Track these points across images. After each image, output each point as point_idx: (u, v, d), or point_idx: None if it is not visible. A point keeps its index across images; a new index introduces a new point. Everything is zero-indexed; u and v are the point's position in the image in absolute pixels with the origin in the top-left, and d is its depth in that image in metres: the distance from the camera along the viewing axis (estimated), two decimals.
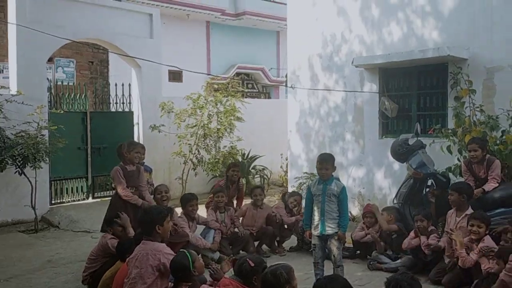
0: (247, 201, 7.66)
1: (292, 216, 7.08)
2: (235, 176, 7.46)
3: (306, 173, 9.51)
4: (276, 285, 3.23)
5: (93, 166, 10.39)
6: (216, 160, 10.99)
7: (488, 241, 4.91)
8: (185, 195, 6.86)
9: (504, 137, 6.31)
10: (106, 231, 5.33)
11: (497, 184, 5.79)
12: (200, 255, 4.26)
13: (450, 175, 6.72)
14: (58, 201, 9.96)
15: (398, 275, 3.23)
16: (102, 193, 10.71)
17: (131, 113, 10.96)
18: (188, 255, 3.86)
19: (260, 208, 7.15)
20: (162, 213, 4.16)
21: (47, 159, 8.52)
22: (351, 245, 6.70)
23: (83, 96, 10.45)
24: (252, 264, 3.50)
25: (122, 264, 4.58)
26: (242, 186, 7.86)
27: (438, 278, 5.30)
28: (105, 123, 10.51)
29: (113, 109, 10.99)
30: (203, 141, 10.82)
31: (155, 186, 6.74)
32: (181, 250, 4.13)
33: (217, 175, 11.56)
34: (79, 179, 10.38)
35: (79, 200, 10.29)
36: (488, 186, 5.79)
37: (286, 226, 7.13)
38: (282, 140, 11.27)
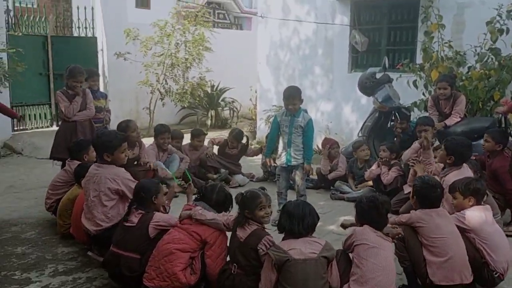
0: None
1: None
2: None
3: (275, 105, 9.48)
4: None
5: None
6: (184, 90, 10.83)
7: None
8: (157, 127, 6.68)
9: (470, 73, 6.37)
10: (75, 158, 5.14)
11: (459, 119, 5.90)
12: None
13: (415, 109, 6.81)
14: (21, 128, 9.74)
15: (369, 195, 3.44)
16: None
17: (94, 38, 10.55)
18: (157, 184, 3.83)
19: (196, 150, 7.09)
20: (113, 142, 3.95)
21: (7, 83, 8.19)
22: (316, 177, 6.83)
23: (43, 19, 9.95)
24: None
25: (79, 188, 4.53)
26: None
27: (395, 208, 5.44)
28: (67, 48, 10.11)
29: (75, 34, 10.54)
30: (171, 71, 10.58)
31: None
32: (153, 179, 4.07)
33: (186, 106, 11.45)
34: (42, 106, 10.12)
35: (42, 127, 10.08)
36: (450, 121, 5.90)
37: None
38: (252, 72, 11.11)
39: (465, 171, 4.22)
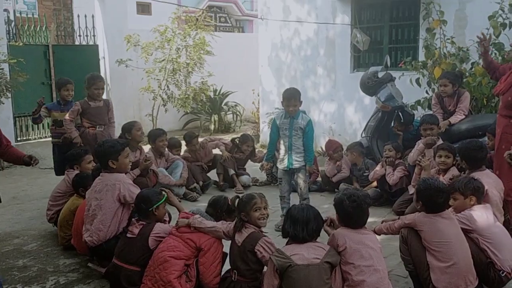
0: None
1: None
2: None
3: (277, 108, 9.39)
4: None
5: None
6: (187, 96, 10.79)
7: (454, 172, 4.94)
8: (153, 131, 6.78)
9: (473, 69, 6.26)
10: (72, 168, 5.14)
11: (464, 116, 5.79)
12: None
13: (419, 108, 6.71)
14: (24, 138, 9.74)
15: (349, 191, 3.35)
16: None
17: (95, 46, 10.54)
18: (158, 195, 3.78)
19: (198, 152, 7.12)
20: (115, 147, 3.95)
21: (8, 94, 8.19)
22: (320, 180, 6.77)
23: (44, 28, 9.95)
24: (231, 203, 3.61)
25: (79, 199, 4.50)
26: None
27: (401, 209, 5.38)
28: (69, 57, 10.10)
29: (77, 42, 10.55)
30: (173, 76, 10.54)
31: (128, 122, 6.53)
32: (158, 189, 4.05)
33: (188, 111, 11.40)
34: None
35: (46, 137, 10.06)
36: (454, 118, 5.79)
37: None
38: (254, 75, 11.06)
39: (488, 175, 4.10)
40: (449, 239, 3.31)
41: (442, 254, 3.28)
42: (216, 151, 7.29)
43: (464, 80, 6.19)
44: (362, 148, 6.42)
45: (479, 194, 3.67)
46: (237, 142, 7.33)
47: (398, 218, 3.69)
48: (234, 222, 3.41)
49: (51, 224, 5.10)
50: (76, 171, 4.88)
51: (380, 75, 6.53)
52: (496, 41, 6.14)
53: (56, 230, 4.94)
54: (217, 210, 3.66)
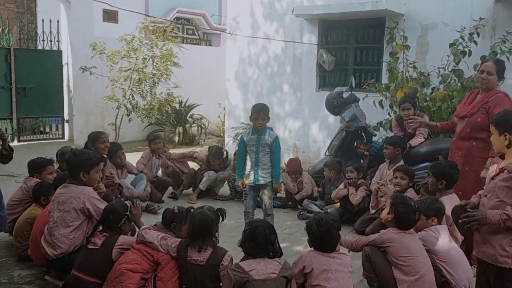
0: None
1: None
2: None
3: (243, 123, 9.44)
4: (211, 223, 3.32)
5: (19, 108, 9.82)
6: (152, 106, 10.69)
7: (411, 194, 5.07)
8: (110, 147, 6.59)
9: (433, 94, 6.50)
10: (32, 176, 4.95)
11: (423, 139, 5.98)
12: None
13: (381, 129, 6.89)
14: None
15: (319, 215, 3.41)
16: (28, 136, 10.19)
17: (59, 52, 10.35)
18: (128, 210, 3.72)
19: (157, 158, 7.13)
20: (92, 160, 3.86)
21: None
22: (284, 195, 6.81)
23: (6, 31, 9.69)
24: (176, 211, 3.50)
25: (37, 209, 4.38)
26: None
27: (362, 228, 5.49)
28: (31, 62, 9.88)
29: (40, 47, 10.31)
30: (138, 86, 10.44)
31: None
32: (126, 201, 3.96)
33: (153, 122, 11.30)
34: (3, 121, 9.79)
35: None
36: (414, 141, 5.97)
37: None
38: (220, 89, 11.09)
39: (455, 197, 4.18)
40: (415, 253, 3.44)
41: (410, 268, 3.40)
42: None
43: (425, 104, 6.42)
44: (340, 167, 6.44)
45: (440, 216, 3.83)
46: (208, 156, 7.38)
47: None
48: (177, 240, 3.37)
49: (7, 234, 4.91)
50: (35, 179, 4.74)
51: (345, 95, 6.68)
52: (456, 68, 6.40)
53: (11, 240, 4.77)
54: (166, 223, 3.67)
